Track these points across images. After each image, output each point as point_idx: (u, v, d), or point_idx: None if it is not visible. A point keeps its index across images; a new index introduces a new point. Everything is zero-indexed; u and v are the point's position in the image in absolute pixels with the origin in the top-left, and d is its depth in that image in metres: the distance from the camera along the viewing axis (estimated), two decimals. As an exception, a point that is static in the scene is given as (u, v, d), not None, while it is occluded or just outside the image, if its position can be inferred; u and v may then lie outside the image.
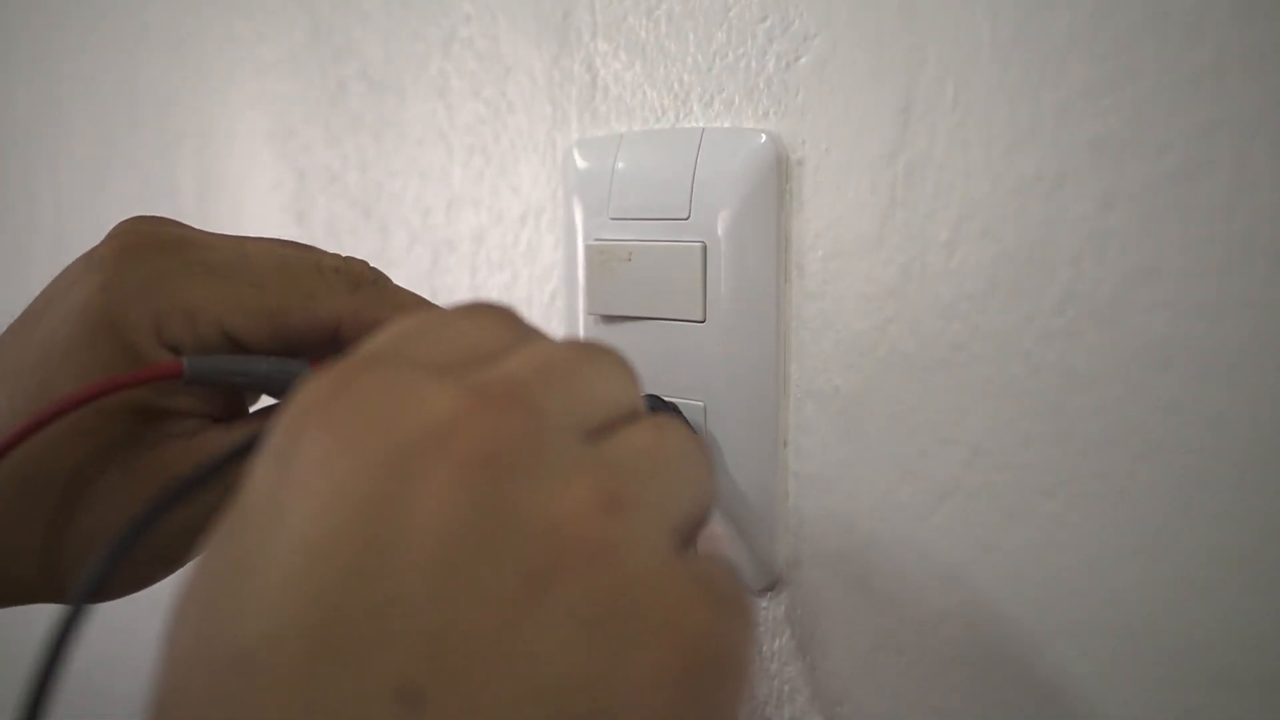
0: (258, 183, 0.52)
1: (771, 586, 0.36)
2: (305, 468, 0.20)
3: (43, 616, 0.26)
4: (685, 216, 0.35)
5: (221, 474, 0.26)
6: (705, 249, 0.35)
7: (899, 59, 0.31)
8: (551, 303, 0.41)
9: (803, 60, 0.33)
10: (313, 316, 0.32)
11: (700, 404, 0.35)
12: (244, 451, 0.26)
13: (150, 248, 0.32)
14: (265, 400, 0.35)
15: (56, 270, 0.64)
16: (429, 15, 0.44)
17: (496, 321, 0.25)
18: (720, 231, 0.35)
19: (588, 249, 0.37)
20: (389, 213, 0.47)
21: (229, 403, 0.33)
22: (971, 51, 0.30)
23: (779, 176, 0.34)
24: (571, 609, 0.19)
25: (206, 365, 0.31)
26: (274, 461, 0.21)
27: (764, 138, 0.34)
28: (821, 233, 0.33)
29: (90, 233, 0.62)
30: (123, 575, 0.27)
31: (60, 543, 0.32)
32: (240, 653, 0.19)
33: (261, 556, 0.19)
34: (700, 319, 0.35)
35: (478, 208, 0.43)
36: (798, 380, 0.35)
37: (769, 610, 0.36)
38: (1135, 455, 0.28)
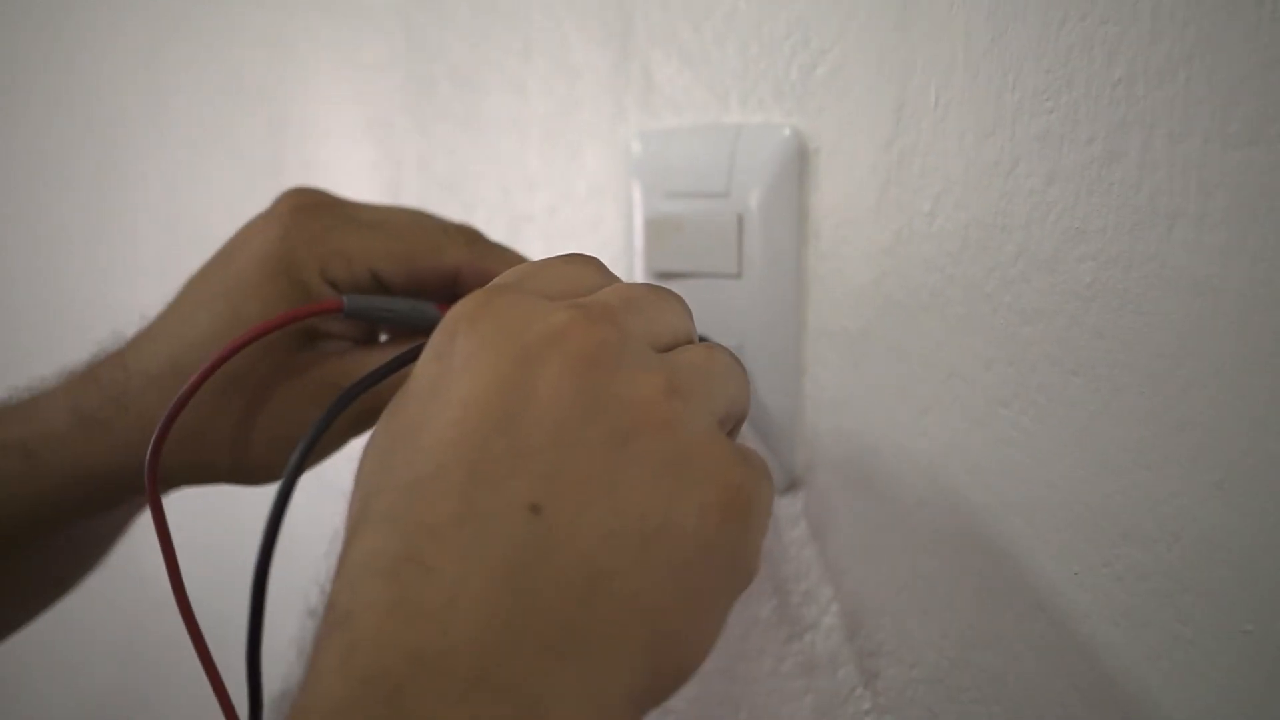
0: (357, 166, 0.61)
1: (792, 487, 0.45)
2: (459, 359, 0.29)
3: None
4: (725, 194, 0.44)
5: (380, 379, 0.36)
6: (741, 219, 0.44)
7: (894, 69, 0.40)
8: (613, 265, 0.50)
9: (819, 70, 0.42)
10: (439, 264, 0.41)
11: (736, 343, 0.44)
12: (396, 365, 0.36)
13: (316, 206, 0.41)
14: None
15: (165, 245, 0.74)
16: (509, 25, 0.53)
17: (590, 267, 0.34)
18: (753, 205, 0.44)
19: (647, 221, 0.46)
20: (473, 191, 0.56)
21: (367, 331, 0.43)
22: (949, 63, 0.39)
23: (800, 162, 0.43)
24: (645, 459, 0.28)
25: (361, 303, 0.40)
26: (434, 357, 0.30)
27: (788, 131, 0.43)
28: (832, 206, 0.42)
29: (197, 209, 0.72)
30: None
31: (246, 434, 0.41)
32: (416, 478, 0.28)
33: (429, 418, 0.28)
34: (736, 275, 0.44)
35: (550, 187, 0.52)
36: (813, 323, 0.43)
37: (789, 505, 0.45)
38: (1070, 371, 0.37)
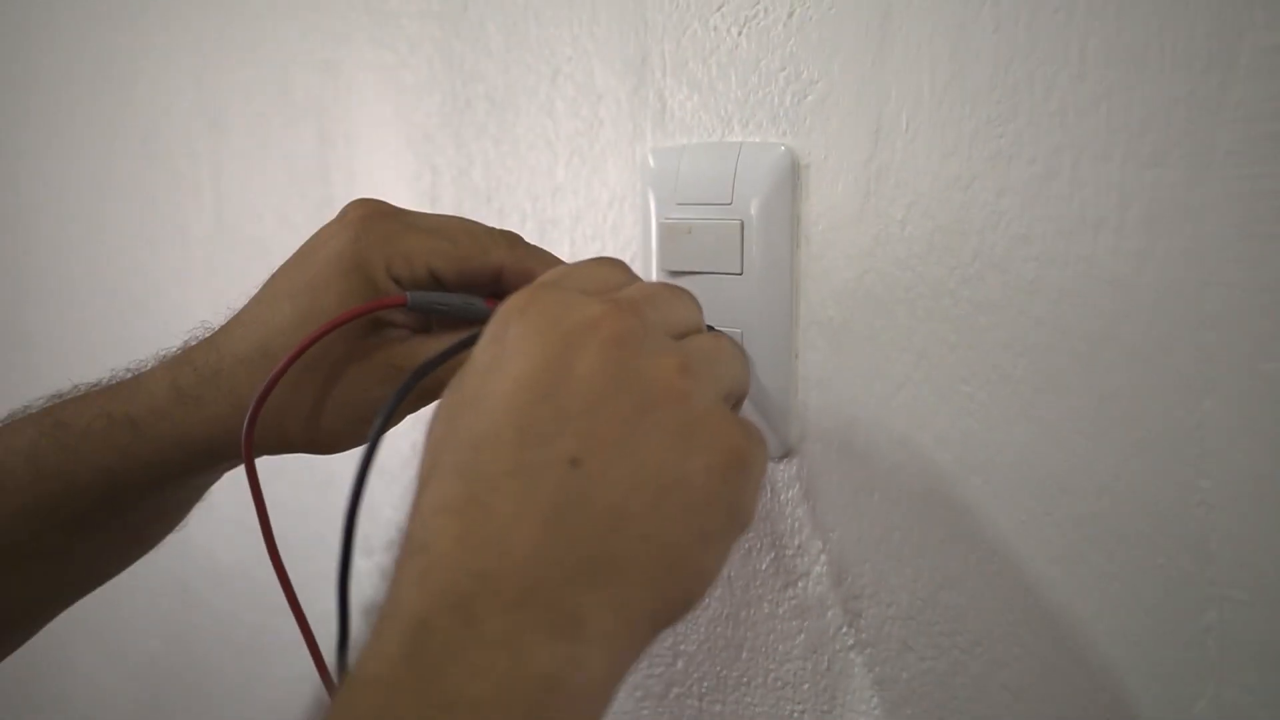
0: (400, 176, 0.68)
1: (786, 454, 0.52)
2: (512, 343, 0.36)
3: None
4: (729, 203, 0.51)
5: (445, 361, 0.43)
6: (743, 225, 0.51)
7: (871, 98, 0.47)
8: (631, 265, 0.57)
9: (809, 98, 0.49)
10: (486, 264, 0.48)
11: (739, 331, 0.51)
12: (458, 349, 0.43)
13: (382, 214, 0.48)
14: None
15: (217, 247, 0.82)
16: (540, 54, 0.60)
17: (617, 267, 0.42)
18: (753, 213, 0.51)
19: (660, 225, 0.54)
20: (505, 199, 0.63)
21: (423, 322, 0.50)
22: (918, 95, 0.46)
23: (793, 176, 0.50)
24: (663, 426, 0.35)
25: (421, 298, 0.47)
26: (491, 341, 0.37)
27: (783, 149, 0.50)
28: (821, 213, 0.50)
29: (246, 214, 0.79)
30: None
31: (320, 408, 0.48)
32: (476, 438, 0.34)
33: (487, 390, 0.35)
34: (739, 273, 0.51)
35: (575, 196, 0.59)
36: (805, 314, 0.51)
37: (784, 471, 0.52)
38: (1018, 353, 0.44)
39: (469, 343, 0.40)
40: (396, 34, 0.67)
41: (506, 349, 0.36)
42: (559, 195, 0.60)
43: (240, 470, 0.49)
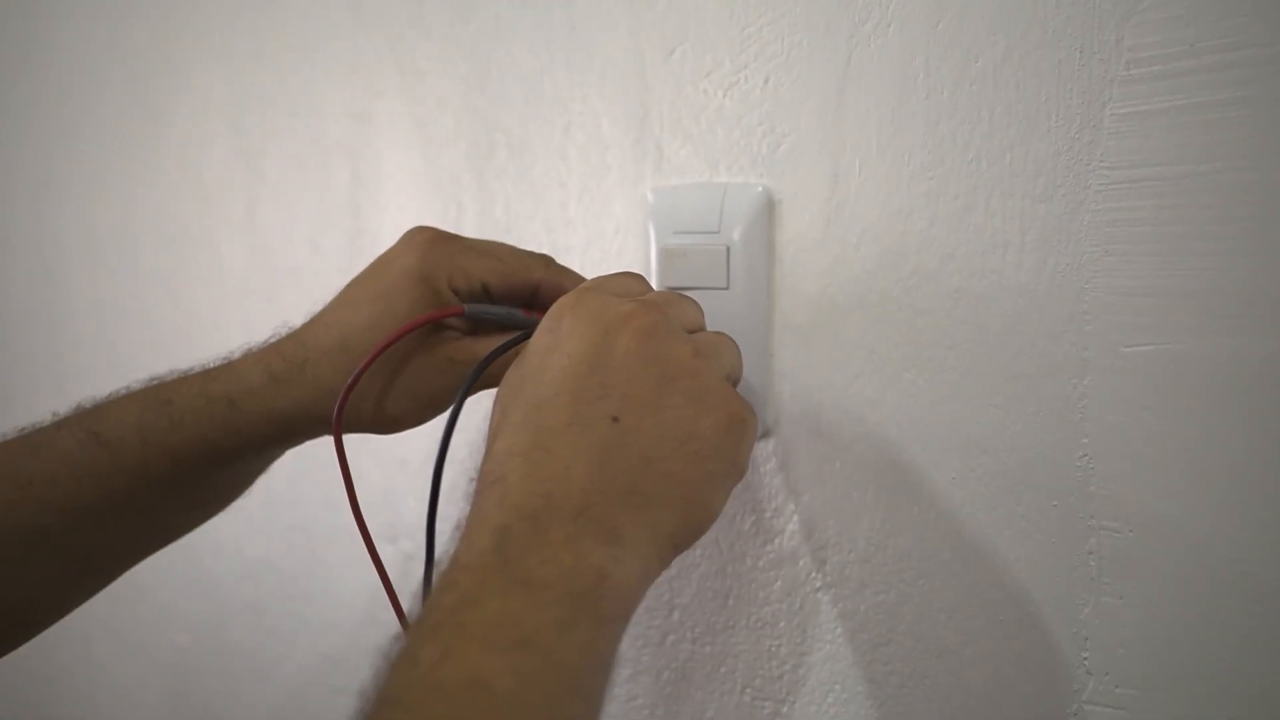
0: (429, 210, 0.80)
1: (764, 434, 0.64)
2: (565, 331, 0.48)
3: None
4: (717, 231, 0.64)
5: (505, 352, 0.54)
6: (728, 249, 0.63)
7: (831, 149, 0.60)
8: (633, 282, 0.69)
9: (781, 148, 0.62)
10: (527, 279, 0.60)
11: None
12: (515, 342, 0.55)
13: (443, 238, 0.60)
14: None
15: (252, 272, 0.93)
16: (554, 110, 0.73)
17: (639, 278, 0.54)
18: (736, 239, 0.63)
19: (660, 249, 0.66)
20: (523, 230, 0.75)
21: (472, 326, 0.61)
22: (867, 146, 0.59)
23: (769, 209, 0.63)
24: (681, 393, 0.47)
25: (476, 308, 0.59)
26: (547, 331, 0.49)
27: (760, 188, 0.63)
28: (791, 239, 0.62)
29: (285, 243, 0.89)
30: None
31: (387, 394, 0.59)
32: (539, 400, 0.46)
33: (547, 365, 0.47)
34: (725, 287, 0.63)
35: (585, 227, 0.72)
36: (779, 320, 0.63)
37: (763, 448, 0.64)
38: (947, 347, 0.57)
39: (522, 339, 0.52)
40: (426, 92, 0.80)
41: (561, 335, 0.48)
42: (571, 227, 0.72)
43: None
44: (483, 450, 0.46)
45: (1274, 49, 0.46)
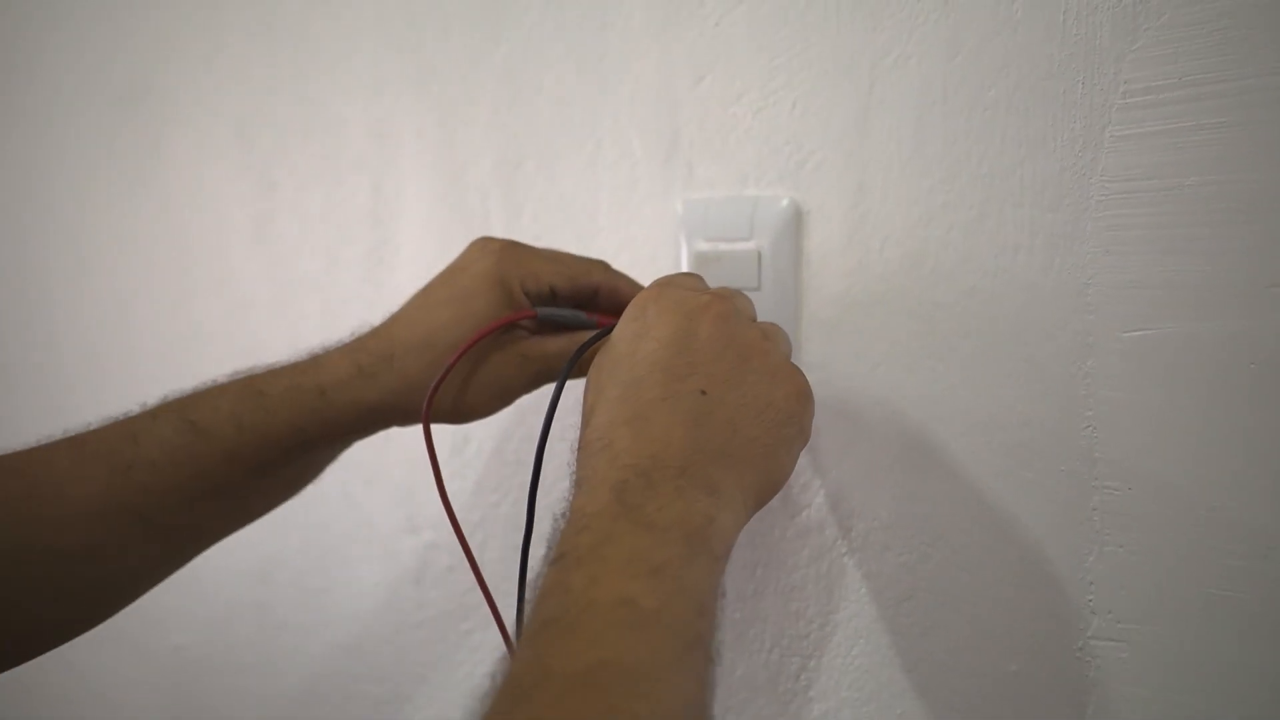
0: (455, 221, 0.86)
1: (793, 418, 0.72)
2: (652, 319, 0.55)
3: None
4: (749, 238, 0.72)
5: (590, 346, 0.61)
6: (759, 254, 0.71)
7: (855, 164, 0.68)
8: (662, 285, 0.77)
9: (808, 164, 0.70)
10: (589, 281, 0.67)
11: (755, 330, 0.71)
12: (597, 338, 0.61)
13: (514, 246, 0.66)
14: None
15: (262, 283, 0.98)
16: (584, 128, 0.80)
17: (698, 277, 0.61)
18: (766, 245, 0.71)
19: (695, 254, 0.73)
20: (553, 239, 0.82)
21: (541, 326, 0.68)
22: (889, 161, 0.67)
23: (797, 219, 0.71)
24: (757, 370, 0.55)
25: (546, 311, 0.65)
26: (632, 320, 0.56)
27: (789, 200, 0.71)
28: (818, 245, 0.70)
29: (298, 255, 0.94)
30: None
31: (466, 387, 0.65)
32: (635, 378, 0.53)
33: (638, 349, 0.54)
34: (757, 288, 0.71)
35: (616, 235, 0.79)
36: (806, 316, 0.71)
37: (792, 430, 0.72)
38: (963, 336, 0.65)
39: (604, 334, 0.59)
40: (451, 109, 0.86)
41: (648, 323, 0.55)
42: (602, 235, 0.79)
43: None
44: (569, 435, 0.53)
45: (1245, 82, 0.56)
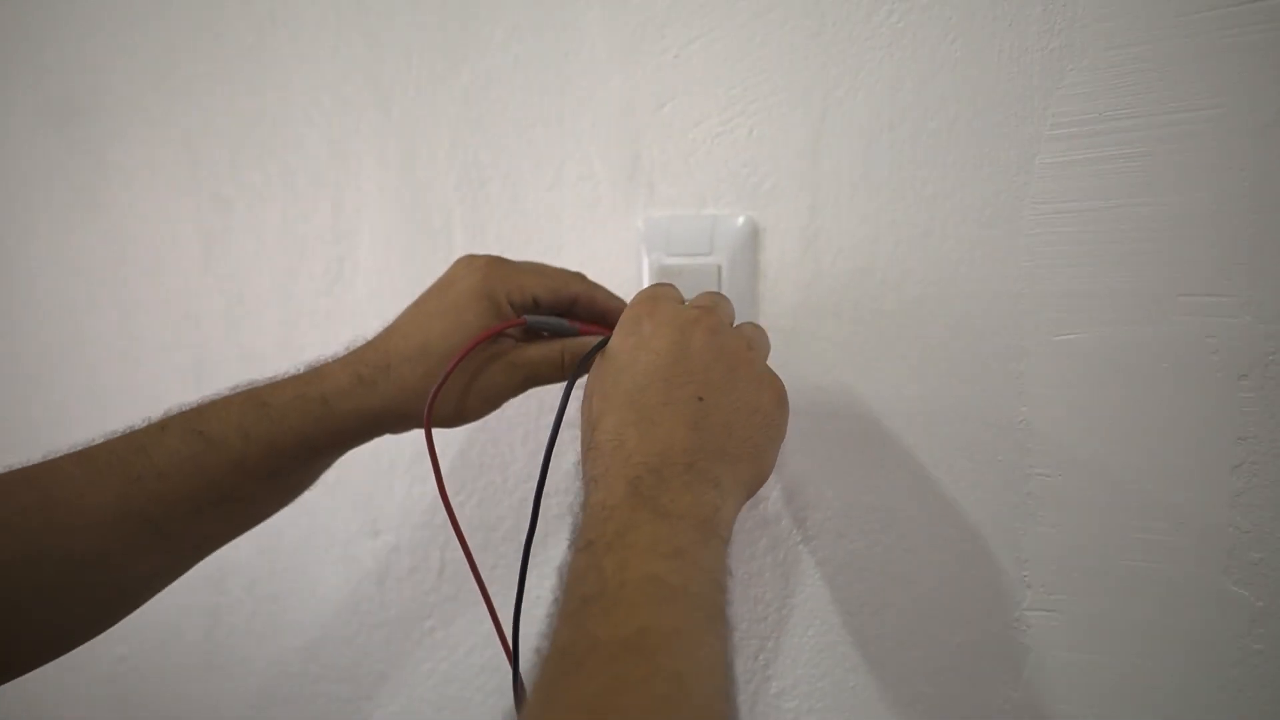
0: (419, 237, 0.90)
1: (752, 418, 0.78)
2: (647, 332, 0.61)
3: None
4: (709, 253, 0.78)
5: (593, 355, 0.66)
6: (720, 267, 0.78)
7: (807, 186, 0.75)
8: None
9: (764, 186, 0.77)
10: (569, 292, 0.72)
11: (716, 338, 0.78)
12: (599, 348, 0.66)
13: (498, 261, 0.71)
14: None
15: (208, 297, 1.00)
16: (547, 150, 0.85)
17: (672, 286, 0.67)
18: (726, 259, 0.77)
19: (659, 268, 0.79)
20: (516, 255, 0.86)
21: (527, 333, 0.73)
22: (839, 185, 0.74)
23: (754, 236, 0.77)
24: (745, 377, 0.61)
25: (534, 320, 0.70)
26: (627, 334, 0.62)
27: (745, 219, 0.77)
28: (774, 259, 0.77)
29: (251, 271, 0.96)
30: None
31: (465, 394, 0.70)
32: (638, 387, 0.59)
33: (637, 360, 0.60)
34: (717, 299, 0.78)
35: (579, 250, 0.84)
36: (764, 324, 0.77)
37: (751, 429, 0.78)
38: (909, 341, 0.73)
39: (601, 345, 0.65)
40: (414, 131, 0.90)
41: (645, 336, 0.61)
42: (565, 251, 0.84)
43: None
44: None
45: (1156, 118, 0.64)
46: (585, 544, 0.51)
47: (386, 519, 0.95)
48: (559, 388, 0.79)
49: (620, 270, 0.83)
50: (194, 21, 1.01)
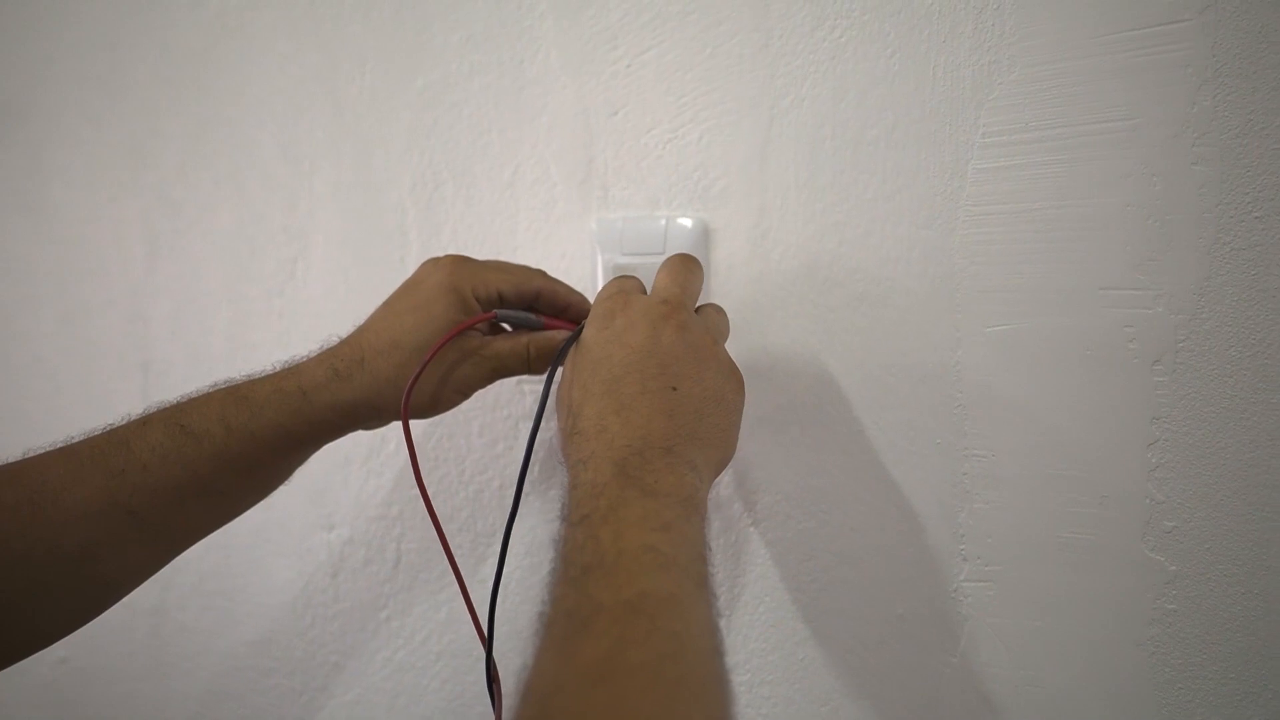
0: (374, 237, 0.93)
1: (705, 408, 0.83)
2: (620, 327, 0.65)
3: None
4: (662, 252, 0.82)
5: (568, 347, 0.70)
6: (672, 266, 0.82)
7: (756, 189, 0.80)
8: (579, 295, 0.86)
9: (714, 188, 0.82)
10: (532, 287, 0.75)
11: (669, 333, 0.82)
12: (572, 339, 0.70)
13: (463, 259, 0.74)
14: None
15: (153, 297, 1.01)
16: (502, 153, 0.88)
17: (635, 278, 0.71)
18: (678, 258, 0.82)
19: (613, 266, 0.83)
20: (471, 254, 0.90)
21: (494, 328, 0.76)
22: (786, 188, 0.79)
23: (705, 235, 0.82)
24: (711, 368, 0.65)
25: (502, 314, 0.74)
26: (600, 328, 0.66)
27: (698, 219, 0.82)
28: (724, 257, 0.82)
29: (197, 272, 0.97)
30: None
31: (440, 384, 0.73)
32: (615, 378, 0.63)
33: (611, 353, 0.64)
34: (671, 296, 0.82)
35: (534, 250, 0.88)
36: (713, 320, 0.82)
37: (704, 418, 0.83)
38: (852, 335, 0.78)
39: (574, 338, 0.68)
40: (368, 133, 0.93)
41: (618, 330, 0.65)
42: (520, 251, 0.88)
43: None
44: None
45: (1078, 128, 0.71)
46: (580, 518, 0.54)
47: (341, 513, 0.97)
48: (511, 382, 0.83)
49: (575, 269, 0.86)
50: (141, 25, 1.02)
